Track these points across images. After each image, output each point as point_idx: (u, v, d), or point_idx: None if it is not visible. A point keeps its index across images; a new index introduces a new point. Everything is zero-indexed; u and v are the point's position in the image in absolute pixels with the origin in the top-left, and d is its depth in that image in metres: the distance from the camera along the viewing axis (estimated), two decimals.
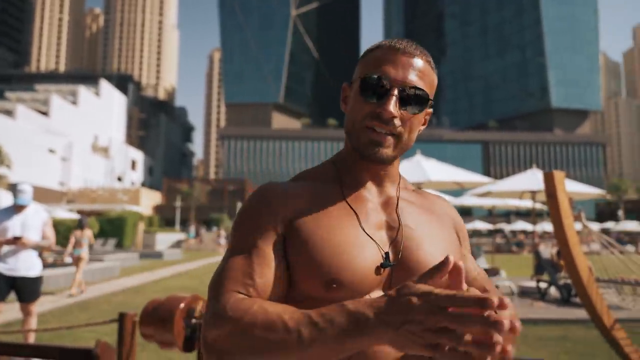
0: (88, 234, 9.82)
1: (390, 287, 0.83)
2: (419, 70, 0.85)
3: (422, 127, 0.91)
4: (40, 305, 7.70)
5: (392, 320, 0.58)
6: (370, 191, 0.90)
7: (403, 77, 0.83)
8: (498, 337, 0.52)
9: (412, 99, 0.83)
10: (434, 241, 0.89)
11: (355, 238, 0.82)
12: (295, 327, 0.66)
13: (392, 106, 0.81)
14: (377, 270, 0.82)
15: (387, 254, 0.84)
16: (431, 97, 0.87)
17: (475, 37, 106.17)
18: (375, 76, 0.83)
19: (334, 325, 0.63)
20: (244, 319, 0.70)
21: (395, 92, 0.82)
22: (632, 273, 4.52)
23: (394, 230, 0.87)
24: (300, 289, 0.81)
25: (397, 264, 0.84)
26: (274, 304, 0.72)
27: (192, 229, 40.81)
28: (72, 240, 9.67)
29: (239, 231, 0.85)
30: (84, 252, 9.58)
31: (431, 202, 0.98)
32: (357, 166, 0.90)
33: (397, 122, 0.83)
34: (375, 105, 0.83)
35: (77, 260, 9.51)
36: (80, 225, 9.90)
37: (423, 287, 0.58)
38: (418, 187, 8.95)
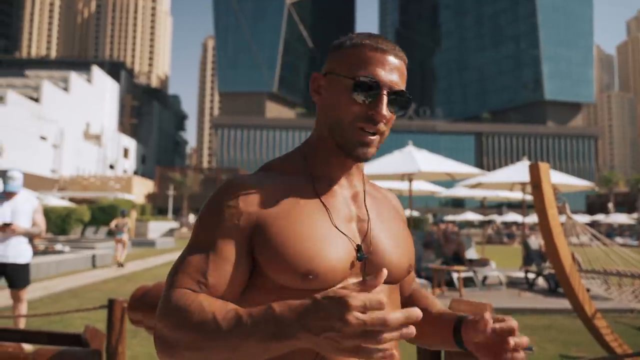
0: (128, 222, 12.84)
1: (363, 277, 0.87)
2: (401, 72, 0.88)
3: None
4: (32, 292, 7.71)
5: (312, 326, 0.61)
6: (341, 185, 0.93)
7: (390, 79, 0.86)
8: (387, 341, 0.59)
9: (397, 101, 0.87)
10: (394, 233, 0.95)
11: (328, 232, 0.85)
12: (226, 327, 0.68)
13: (384, 109, 0.85)
14: (353, 262, 0.85)
15: (359, 246, 0.87)
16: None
17: (470, 28, 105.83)
18: (368, 79, 0.85)
19: (259, 329, 0.66)
20: (182, 314, 0.72)
21: (385, 94, 0.85)
22: (615, 264, 4.61)
23: (364, 222, 0.91)
24: (274, 281, 0.82)
25: (369, 255, 0.88)
26: (214, 301, 0.74)
27: None
28: (113, 224, 13.09)
29: (202, 225, 0.86)
30: (125, 236, 12.61)
31: (384, 195, 1.04)
32: (331, 161, 0.93)
33: (383, 123, 0.87)
34: (366, 107, 0.86)
35: (120, 242, 12.49)
36: (122, 214, 13.11)
37: (341, 293, 0.61)
38: (409, 177, 8.99)
